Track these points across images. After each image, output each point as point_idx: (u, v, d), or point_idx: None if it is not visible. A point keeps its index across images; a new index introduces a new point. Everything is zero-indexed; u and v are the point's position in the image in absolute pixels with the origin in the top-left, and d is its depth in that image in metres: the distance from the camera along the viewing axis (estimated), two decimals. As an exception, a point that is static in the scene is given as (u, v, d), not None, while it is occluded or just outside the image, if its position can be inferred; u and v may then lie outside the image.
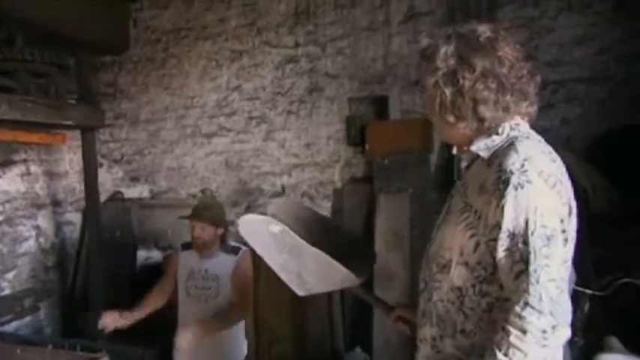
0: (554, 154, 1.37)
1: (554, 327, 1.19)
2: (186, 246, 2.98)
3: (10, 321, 3.49)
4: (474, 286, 1.35)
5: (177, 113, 4.55)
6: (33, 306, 3.64)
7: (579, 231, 1.45)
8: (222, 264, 2.89)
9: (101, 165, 4.51)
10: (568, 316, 1.23)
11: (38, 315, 4.02)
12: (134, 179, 4.71)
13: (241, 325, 2.95)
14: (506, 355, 1.21)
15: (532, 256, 1.21)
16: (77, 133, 3.75)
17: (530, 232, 1.23)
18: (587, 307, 2.01)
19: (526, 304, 1.19)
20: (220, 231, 2.90)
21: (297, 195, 4.18)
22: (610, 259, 2.29)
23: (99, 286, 3.80)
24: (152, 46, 4.55)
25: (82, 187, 3.90)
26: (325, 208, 4.11)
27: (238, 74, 4.33)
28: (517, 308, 1.20)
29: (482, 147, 1.40)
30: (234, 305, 2.87)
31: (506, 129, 1.38)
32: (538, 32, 3.52)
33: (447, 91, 1.35)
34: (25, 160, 4.12)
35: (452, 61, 1.35)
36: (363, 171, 4.02)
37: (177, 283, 2.93)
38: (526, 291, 1.20)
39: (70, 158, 4.52)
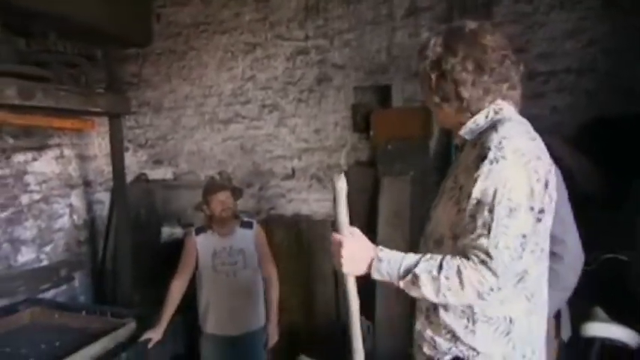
0: (534, 134, 1.38)
1: (499, 288, 1.26)
2: (201, 230, 2.95)
3: (48, 289, 3.54)
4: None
5: (196, 101, 4.54)
6: (68, 276, 3.68)
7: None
8: (243, 238, 2.91)
9: (127, 149, 4.52)
10: (510, 282, 1.29)
11: (73, 284, 4.06)
12: (157, 162, 4.72)
13: (261, 294, 2.97)
14: (447, 278, 1.28)
15: (494, 224, 1.24)
16: (105, 120, 3.76)
17: (496, 202, 1.25)
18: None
19: (483, 262, 1.24)
20: (236, 202, 2.95)
21: (307, 177, 4.18)
22: (597, 238, 2.27)
23: (126, 258, 3.83)
24: (174, 39, 4.53)
25: (110, 169, 3.91)
26: (332, 190, 4.11)
27: (252, 65, 4.31)
28: (476, 260, 1.25)
29: (467, 131, 1.43)
30: (270, 280, 2.93)
31: (490, 113, 1.40)
32: (531, 27, 3.47)
33: (433, 75, 1.40)
34: (59, 145, 4.13)
35: (439, 49, 1.40)
36: (367, 155, 4.01)
37: (198, 264, 2.90)
38: (487, 253, 1.24)
39: (99, 143, 4.53)
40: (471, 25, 1.41)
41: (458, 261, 1.27)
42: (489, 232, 1.24)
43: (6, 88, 2.64)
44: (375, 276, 1.40)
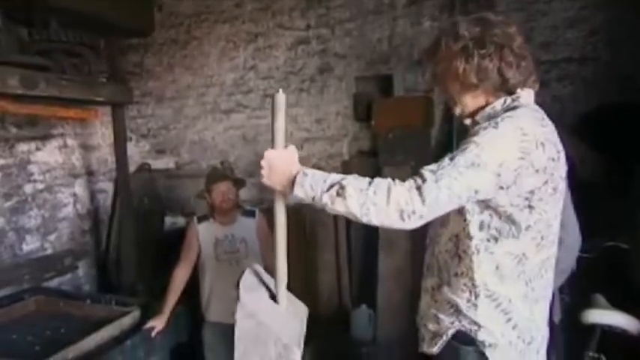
0: (547, 121, 1.38)
1: (421, 216, 1.23)
2: (203, 218, 2.94)
3: (52, 277, 3.54)
4: (464, 229, 1.39)
5: (198, 91, 4.52)
6: (72, 264, 3.68)
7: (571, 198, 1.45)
8: (245, 227, 2.90)
9: (130, 139, 4.51)
10: (434, 215, 1.26)
11: (77, 273, 4.07)
12: (160, 152, 4.72)
13: None
14: (375, 193, 1.24)
15: (448, 167, 1.24)
16: (108, 109, 3.74)
17: (461, 152, 1.26)
18: (574, 267, 2.01)
19: (418, 188, 1.22)
20: (238, 192, 2.93)
21: (309, 166, 4.15)
22: (597, 226, 2.27)
23: (129, 247, 3.83)
24: (175, 29, 4.50)
25: (113, 158, 3.90)
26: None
27: (254, 55, 4.28)
28: (412, 183, 1.24)
29: (485, 116, 1.42)
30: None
31: (508, 100, 1.40)
32: (534, 15, 3.45)
33: (475, 53, 1.35)
34: (62, 134, 4.12)
35: (476, 29, 1.36)
36: (368, 145, 4.00)
37: (200, 253, 2.88)
38: (424, 180, 1.23)
39: (102, 132, 4.52)
40: (495, 16, 1.41)
41: (389, 180, 1.26)
42: (438, 169, 1.24)
43: (9, 77, 2.62)
44: (298, 192, 1.33)
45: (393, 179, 1.27)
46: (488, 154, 1.24)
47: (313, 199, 1.31)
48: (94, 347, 2.46)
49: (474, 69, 1.35)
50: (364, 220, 1.26)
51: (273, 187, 1.42)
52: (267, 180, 1.40)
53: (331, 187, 1.28)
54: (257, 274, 1.72)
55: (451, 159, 1.26)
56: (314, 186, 1.31)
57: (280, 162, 1.38)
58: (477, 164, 1.23)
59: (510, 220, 1.33)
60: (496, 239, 1.35)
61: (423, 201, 1.21)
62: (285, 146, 1.42)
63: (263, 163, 1.39)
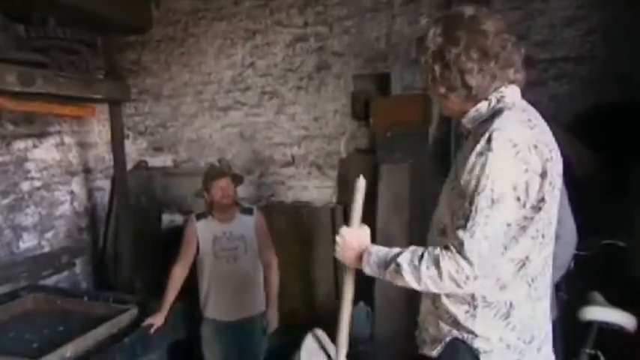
0: (535, 122, 1.36)
1: (475, 277, 1.25)
2: (201, 216, 2.94)
3: (50, 275, 3.54)
4: None
5: (195, 89, 4.50)
6: (69, 262, 3.68)
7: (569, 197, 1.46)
8: (243, 224, 2.91)
9: (127, 136, 4.49)
10: (490, 271, 1.29)
11: (74, 270, 4.07)
12: (157, 149, 4.70)
13: (261, 280, 2.97)
14: (427, 268, 1.30)
15: (473, 214, 1.25)
16: (105, 107, 3.73)
17: (477, 194, 1.25)
18: (572, 264, 2.02)
19: (460, 252, 1.25)
20: (236, 189, 2.93)
21: (307, 164, 4.17)
22: (596, 224, 2.28)
23: (127, 245, 3.83)
24: (173, 26, 4.47)
25: (111, 156, 3.90)
26: (331, 177, 4.11)
27: (252, 52, 4.27)
28: (453, 250, 1.27)
29: (470, 119, 1.42)
30: (270, 266, 2.90)
31: (493, 101, 1.38)
32: (531, 14, 3.44)
33: (436, 67, 1.38)
34: (59, 132, 4.11)
35: (439, 39, 1.38)
36: (366, 143, 3.99)
37: (199, 250, 2.89)
38: (461, 243, 1.25)
39: (99, 130, 4.51)
40: (469, 11, 1.38)
41: (438, 251, 1.30)
42: (467, 222, 1.25)
43: (6, 74, 2.62)
44: (366, 270, 1.48)
45: (440, 247, 1.32)
46: (500, 184, 1.25)
47: (379, 275, 1.44)
48: (92, 345, 2.46)
49: (438, 80, 1.40)
50: (425, 290, 1.36)
51: (345, 263, 1.56)
52: (340, 256, 1.56)
53: (390, 264, 1.38)
54: (318, 340, 1.85)
55: (470, 203, 1.26)
56: (378, 263, 1.44)
57: (354, 240, 1.53)
58: (496, 199, 1.24)
59: (522, 230, 1.33)
60: (501, 254, 1.34)
61: (471, 263, 1.24)
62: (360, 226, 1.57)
63: (338, 239, 1.55)
